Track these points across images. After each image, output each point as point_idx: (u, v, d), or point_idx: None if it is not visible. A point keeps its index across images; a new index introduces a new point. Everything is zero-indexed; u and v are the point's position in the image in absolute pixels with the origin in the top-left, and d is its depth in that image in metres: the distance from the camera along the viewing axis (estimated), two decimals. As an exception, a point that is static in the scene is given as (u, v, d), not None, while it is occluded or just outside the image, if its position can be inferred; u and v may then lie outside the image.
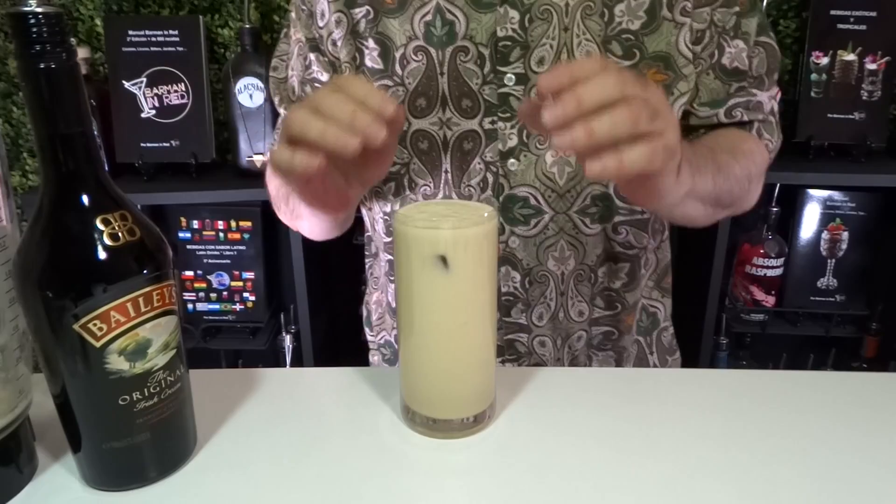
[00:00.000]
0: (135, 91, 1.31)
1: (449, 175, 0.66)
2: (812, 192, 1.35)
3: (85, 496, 0.41)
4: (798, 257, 1.38)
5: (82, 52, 1.25)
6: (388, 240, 0.73)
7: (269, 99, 1.25)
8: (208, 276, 1.40)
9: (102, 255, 0.37)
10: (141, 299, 0.38)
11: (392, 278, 0.74)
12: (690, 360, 1.37)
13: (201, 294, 1.41)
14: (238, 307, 1.42)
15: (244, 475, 0.43)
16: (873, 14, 1.27)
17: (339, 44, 0.65)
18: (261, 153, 1.25)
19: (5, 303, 0.40)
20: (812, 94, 1.31)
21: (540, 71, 0.62)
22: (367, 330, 0.87)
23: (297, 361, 1.43)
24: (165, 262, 0.40)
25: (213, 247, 1.38)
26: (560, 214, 0.66)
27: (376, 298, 0.81)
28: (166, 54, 1.30)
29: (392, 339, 0.78)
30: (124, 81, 1.30)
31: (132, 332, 0.38)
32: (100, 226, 0.37)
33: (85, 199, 0.37)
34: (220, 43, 1.38)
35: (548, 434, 0.47)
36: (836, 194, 1.34)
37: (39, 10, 0.34)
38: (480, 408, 0.48)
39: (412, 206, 0.48)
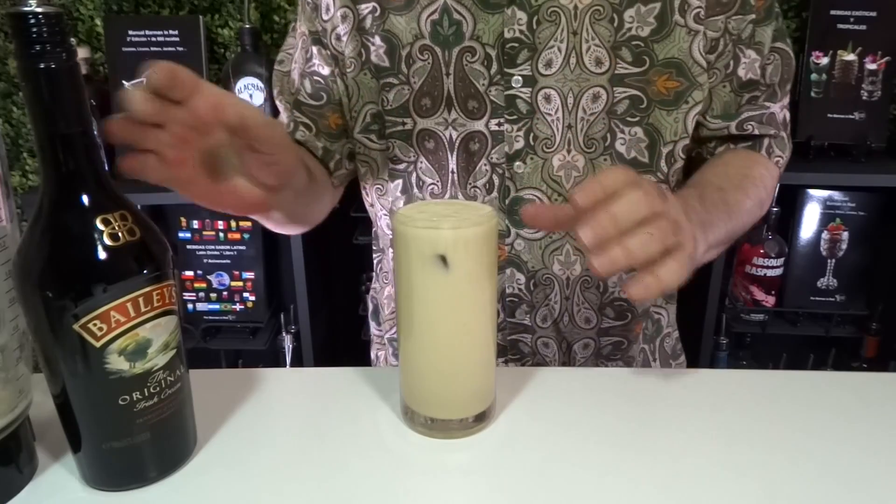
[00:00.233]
0: (135, 91, 1.30)
1: (455, 175, 0.66)
2: (812, 192, 1.35)
3: (85, 496, 0.41)
4: (798, 257, 1.38)
5: (82, 52, 1.26)
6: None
7: (269, 99, 1.25)
8: (208, 276, 1.40)
9: (102, 255, 0.37)
10: (141, 299, 0.38)
11: None
12: (690, 359, 1.37)
13: (201, 294, 1.41)
14: (238, 307, 1.42)
15: (244, 475, 0.43)
16: (873, 14, 1.27)
17: (343, 39, 0.65)
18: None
19: (5, 303, 0.40)
20: (812, 94, 1.31)
21: (547, 74, 0.61)
22: (372, 324, 0.86)
23: (297, 361, 1.43)
24: (165, 262, 0.40)
25: (213, 247, 1.38)
26: None
27: (388, 293, 0.81)
28: (166, 54, 1.30)
29: (393, 336, 0.78)
30: (124, 81, 1.30)
31: (132, 332, 0.38)
32: (100, 226, 0.37)
33: (85, 199, 0.37)
34: (220, 43, 1.38)
35: (548, 434, 0.47)
36: (836, 194, 1.34)
37: (39, 10, 0.34)
38: (480, 408, 0.48)
39: (412, 206, 0.48)
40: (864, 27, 1.27)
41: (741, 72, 0.65)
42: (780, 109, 0.69)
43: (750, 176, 0.65)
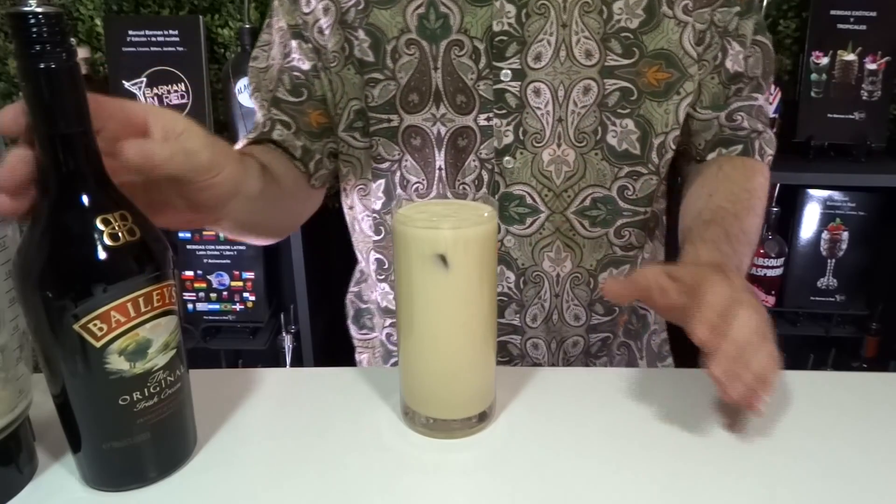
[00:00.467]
0: (135, 91, 1.31)
1: (443, 172, 0.65)
2: (812, 192, 1.35)
3: (85, 496, 0.41)
4: (798, 257, 1.38)
5: (82, 52, 1.26)
6: (378, 238, 0.71)
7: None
8: (208, 276, 1.40)
9: (103, 255, 0.37)
10: (141, 299, 0.38)
11: (380, 277, 0.73)
12: (690, 360, 1.37)
13: (201, 294, 1.41)
14: (238, 307, 1.42)
15: (244, 475, 0.43)
16: (873, 14, 1.27)
17: (326, 32, 0.63)
18: (261, 153, 1.25)
19: (5, 303, 0.40)
20: (812, 94, 1.31)
21: (537, 67, 0.61)
22: (353, 328, 0.85)
23: (297, 361, 1.43)
24: (165, 262, 0.40)
25: (213, 247, 1.38)
26: (556, 214, 0.65)
27: (371, 298, 0.80)
28: (166, 54, 1.30)
29: (383, 338, 0.78)
30: (124, 81, 1.30)
31: (132, 333, 0.38)
32: (100, 226, 0.37)
33: (85, 198, 0.37)
34: (220, 43, 1.38)
35: (548, 434, 0.47)
36: (836, 194, 1.34)
37: (39, 10, 0.34)
38: (480, 408, 0.48)
39: (412, 206, 0.48)
40: (864, 27, 1.27)
41: (728, 63, 0.65)
42: (765, 102, 0.69)
43: (753, 190, 0.66)
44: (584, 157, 0.64)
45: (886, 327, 1.37)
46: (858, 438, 0.47)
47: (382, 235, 0.70)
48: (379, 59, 0.62)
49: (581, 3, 0.60)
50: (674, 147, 0.66)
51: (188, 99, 1.31)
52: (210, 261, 1.39)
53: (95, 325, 0.37)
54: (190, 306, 1.41)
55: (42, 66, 0.35)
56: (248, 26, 1.27)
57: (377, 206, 0.69)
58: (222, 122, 1.35)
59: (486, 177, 0.64)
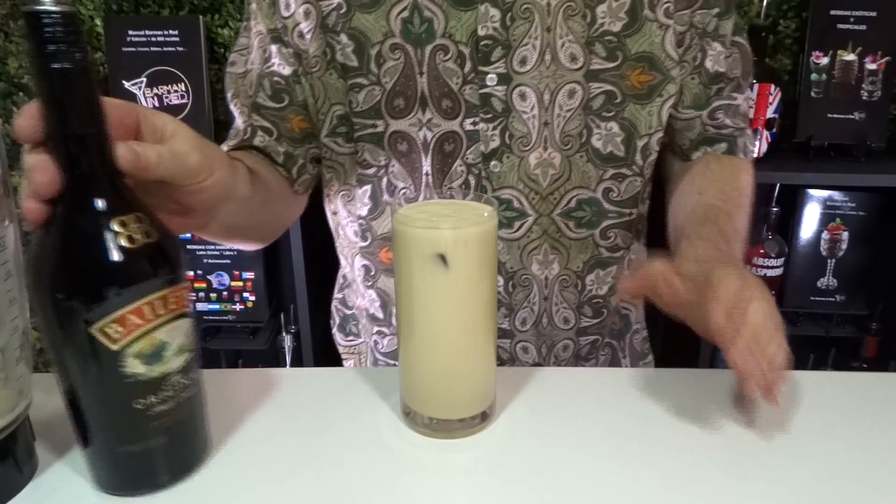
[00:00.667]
0: (135, 91, 1.31)
1: (430, 177, 0.64)
2: (812, 192, 1.35)
3: (84, 497, 0.41)
4: (798, 257, 1.38)
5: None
6: (364, 244, 0.71)
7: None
8: (208, 276, 1.40)
9: (119, 257, 0.36)
10: (157, 302, 0.37)
11: (367, 284, 0.72)
12: (690, 360, 1.37)
13: (201, 294, 1.41)
14: (238, 307, 1.42)
15: (243, 475, 0.43)
16: (873, 14, 1.27)
17: (307, 37, 0.62)
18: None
19: (5, 303, 0.39)
20: (812, 94, 1.31)
21: (522, 71, 0.61)
22: (339, 336, 0.84)
23: (297, 361, 1.43)
24: (181, 264, 0.39)
25: (213, 247, 1.38)
26: (544, 217, 0.65)
27: (357, 304, 0.79)
28: (166, 54, 1.30)
29: (371, 345, 0.77)
30: (124, 81, 1.30)
31: (149, 336, 0.37)
32: (116, 228, 0.36)
33: (101, 200, 0.37)
34: (220, 43, 1.38)
35: (548, 434, 0.47)
36: (836, 194, 1.34)
37: (54, 8, 0.33)
38: (481, 408, 0.48)
39: (412, 206, 0.48)
40: (864, 27, 1.28)
41: (708, 64, 0.65)
42: (743, 102, 0.70)
43: (742, 189, 0.66)
44: (570, 159, 0.64)
45: (886, 327, 1.37)
46: (858, 438, 0.47)
47: (369, 241, 0.70)
48: (363, 64, 0.62)
49: (565, 6, 0.59)
50: (657, 148, 0.66)
51: (188, 99, 1.31)
52: (210, 261, 1.39)
53: (112, 328, 0.36)
54: (190, 306, 1.41)
55: (56, 66, 0.34)
56: (248, 26, 1.26)
57: (363, 212, 0.68)
58: (222, 122, 1.35)
59: (472, 181, 0.64)
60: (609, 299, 0.72)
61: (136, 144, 0.40)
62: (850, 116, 1.30)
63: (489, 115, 0.62)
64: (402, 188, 0.66)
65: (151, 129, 0.42)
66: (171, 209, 0.46)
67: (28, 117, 0.36)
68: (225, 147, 0.66)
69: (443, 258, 0.43)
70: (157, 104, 1.29)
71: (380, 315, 0.73)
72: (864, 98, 1.30)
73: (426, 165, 0.64)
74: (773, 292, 1.37)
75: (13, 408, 0.40)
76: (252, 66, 0.67)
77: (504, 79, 0.61)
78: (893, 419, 0.49)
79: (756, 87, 1.24)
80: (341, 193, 0.70)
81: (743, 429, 0.48)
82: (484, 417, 0.48)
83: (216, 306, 1.41)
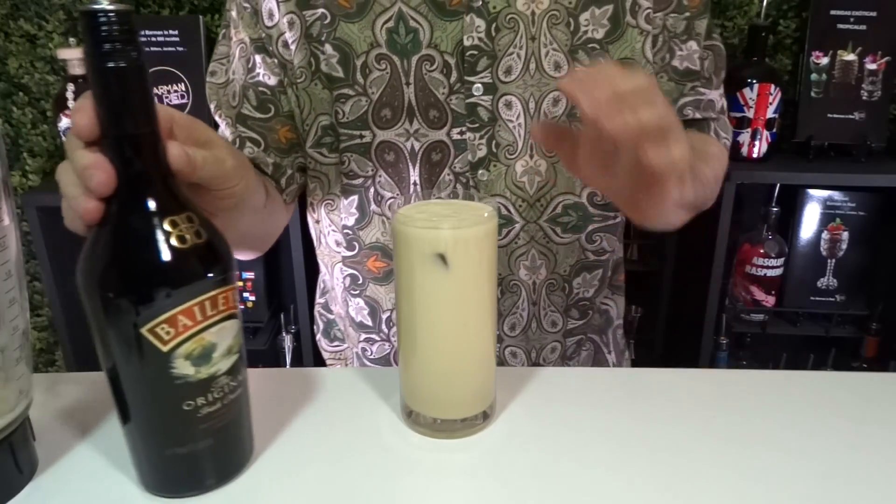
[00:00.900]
0: (135, 91, 1.30)
1: (418, 187, 0.64)
2: (812, 192, 1.35)
3: (85, 497, 0.41)
4: (798, 257, 1.38)
5: (82, 52, 1.25)
6: (351, 253, 0.70)
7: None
8: (208, 276, 1.40)
9: (171, 258, 0.36)
10: (207, 303, 0.37)
11: (354, 292, 0.72)
12: (690, 360, 1.37)
13: (201, 294, 1.41)
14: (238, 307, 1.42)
15: (242, 475, 0.43)
16: (873, 14, 1.27)
17: (292, 47, 0.62)
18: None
19: (5, 303, 0.39)
20: (812, 94, 1.31)
21: (508, 80, 0.61)
22: (324, 342, 0.84)
23: (297, 361, 1.43)
24: (230, 265, 0.39)
25: (213, 247, 1.38)
26: (531, 224, 0.66)
27: (337, 311, 0.79)
28: (166, 54, 1.30)
29: (359, 352, 0.76)
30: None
31: (198, 337, 0.37)
32: (168, 228, 0.36)
33: (154, 200, 0.36)
34: (220, 43, 1.38)
35: (548, 434, 0.47)
36: (836, 194, 1.35)
37: (110, 7, 0.33)
38: (481, 408, 0.48)
39: (412, 206, 0.48)
40: (864, 27, 1.27)
41: (676, 62, 0.65)
42: (718, 97, 0.69)
43: (706, 151, 0.64)
44: (556, 166, 0.64)
45: (886, 327, 1.37)
46: (858, 438, 0.47)
47: (356, 251, 0.69)
48: (349, 75, 0.61)
49: (549, 15, 0.60)
50: None
51: (188, 99, 1.31)
52: (210, 261, 1.39)
53: (163, 329, 0.36)
54: (190, 306, 1.41)
55: (111, 65, 0.34)
56: (248, 26, 1.26)
57: (350, 221, 0.68)
58: (222, 122, 1.35)
59: (460, 190, 0.64)
60: (595, 300, 0.73)
61: (186, 146, 0.40)
62: (850, 116, 1.30)
63: (476, 125, 0.62)
64: (390, 198, 0.66)
65: (186, 134, 0.42)
66: None
67: (87, 116, 0.35)
68: None
69: (443, 258, 0.43)
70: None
71: (369, 322, 0.73)
72: (864, 98, 1.30)
73: (414, 175, 0.64)
74: (773, 292, 1.37)
75: (13, 408, 0.40)
76: (234, 76, 0.66)
77: (490, 88, 0.61)
78: (893, 419, 0.49)
79: (756, 87, 1.24)
80: (325, 203, 0.69)
81: (743, 429, 0.48)
82: (485, 417, 0.48)
83: (216, 306, 1.41)
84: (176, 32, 1.29)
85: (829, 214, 1.36)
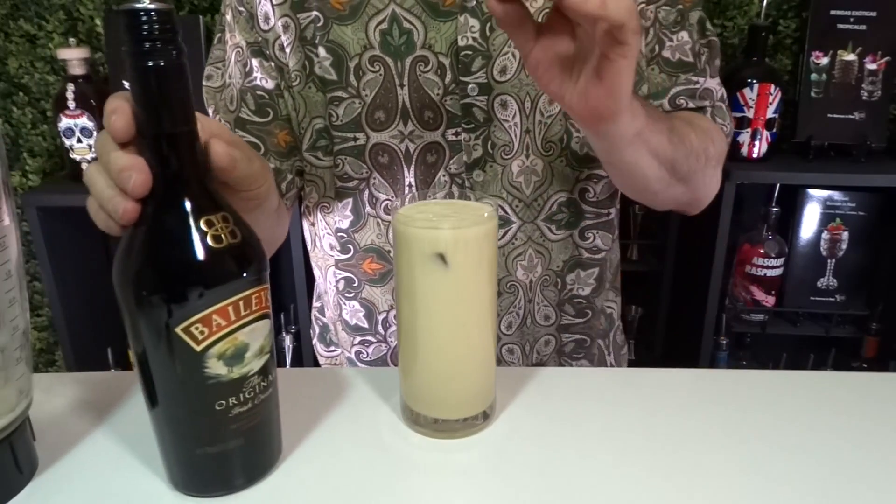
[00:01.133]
0: (135, 91, 1.30)
1: (413, 188, 0.64)
2: (812, 192, 1.35)
3: (85, 497, 0.41)
4: (798, 257, 1.38)
5: (82, 52, 1.25)
6: (345, 256, 0.70)
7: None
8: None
9: (206, 257, 0.36)
10: (241, 303, 0.37)
11: (348, 295, 0.72)
12: (690, 360, 1.37)
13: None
14: (238, 307, 1.41)
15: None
16: (873, 14, 1.27)
17: (287, 50, 0.61)
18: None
19: (5, 303, 0.39)
20: (812, 94, 1.31)
21: (503, 80, 0.61)
22: (319, 346, 0.84)
23: (297, 361, 1.44)
24: (263, 265, 0.39)
25: (213, 247, 1.38)
26: (527, 224, 0.66)
27: (329, 315, 0.79)
28: (166, 54, 1.29)
29: (352, 356, 0.76)
30: (125, 81, 1.30)
31: (231, 337, 0.37)
32: (204, 227, 0.36)
33: (190, 199, 0.36)
34: (220, 43, 1.37)
35: (548, 434, 0.47)
36: (836, 194, 1.35)
37: (151, 6, 0.33)
38: (481, 407, 0.48)
39: (412, 207, 0.48)
40: (864, 27, 1.28)
41: (667, 52, 0.64)
42: (717, 86, 0.67)
43: (697, 124, 0.62)
44: (552, 165, 0.64)
45: (886, 327, 1.37)
46: (858, 438, 0.47)
47: (351, 254, 0.69)
48: (342, 77, 0.61)
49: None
50: None
51: (188, 99, 1.31)
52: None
53: (197, 328, 0.35)
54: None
55: (151, 63, 0.34)
56: (248, 26, 1.26)
57: (344, 224, 0.68)
58: (222, 122, 1.35)
59: (456, 191, 0.64)
60: (595, 301, 0.72)
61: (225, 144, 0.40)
62: (850, 116, 1.30)
63: (471, 125, 0.62)
64: (384, 200, 0.65)
65: (209, 136, 0.41)
66: None
67: (124, 117, 0.35)
68: None
69: (443, 258, 0.43)
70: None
71: (364, 325, 0.73)
72: (864, 98, 1.30)
73: (409, 177, 0.64)
74: (773, 292, 1.37)
75: (13, 408, 0.40)
76: (231, 80, 0.66)
77: (485, 88, 0.61)
78: (893, 419, 0.49)
79: (756, 87, 1.24)
80: (321, 206, 0.69)
81: (743, 428, 0.48)
82: (485, 417, 0.48)
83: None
84: (176, 32, 1.29)
85: (829, 214, 1.36)
